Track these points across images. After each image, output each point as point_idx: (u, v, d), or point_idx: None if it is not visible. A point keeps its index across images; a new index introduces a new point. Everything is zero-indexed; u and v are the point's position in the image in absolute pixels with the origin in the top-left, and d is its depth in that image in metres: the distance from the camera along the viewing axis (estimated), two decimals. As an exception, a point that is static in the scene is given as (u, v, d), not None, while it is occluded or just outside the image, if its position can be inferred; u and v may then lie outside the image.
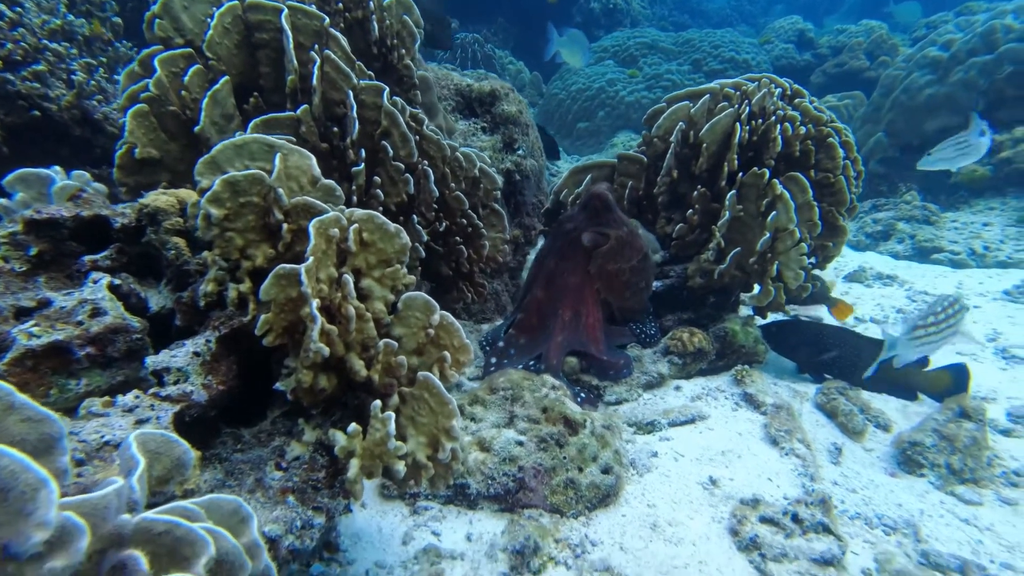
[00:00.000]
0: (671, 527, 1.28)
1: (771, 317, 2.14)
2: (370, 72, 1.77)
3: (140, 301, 1.15)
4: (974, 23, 4.82)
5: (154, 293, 1.19)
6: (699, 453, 1.54)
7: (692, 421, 1.67)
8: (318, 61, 1.55)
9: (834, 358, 1.92)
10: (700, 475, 1.45)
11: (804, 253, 1.83)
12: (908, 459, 1.50)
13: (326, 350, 1.00)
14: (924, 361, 1.86)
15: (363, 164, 1.64)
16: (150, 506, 0.74)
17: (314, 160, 1.09)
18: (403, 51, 1.91)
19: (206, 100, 1.48)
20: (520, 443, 1.47)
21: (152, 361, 1.03)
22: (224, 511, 0.78)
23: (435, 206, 1.86)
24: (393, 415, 1.05)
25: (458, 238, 1.99)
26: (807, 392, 1.84)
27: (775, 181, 1.85)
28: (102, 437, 0.91)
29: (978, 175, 4.53)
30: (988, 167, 4.48)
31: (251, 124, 1.51)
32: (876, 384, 1.88)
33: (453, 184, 1.91)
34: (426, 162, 1.79)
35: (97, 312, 1.04)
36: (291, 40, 1.52)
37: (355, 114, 1.60)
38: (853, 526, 1.30)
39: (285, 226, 1.04)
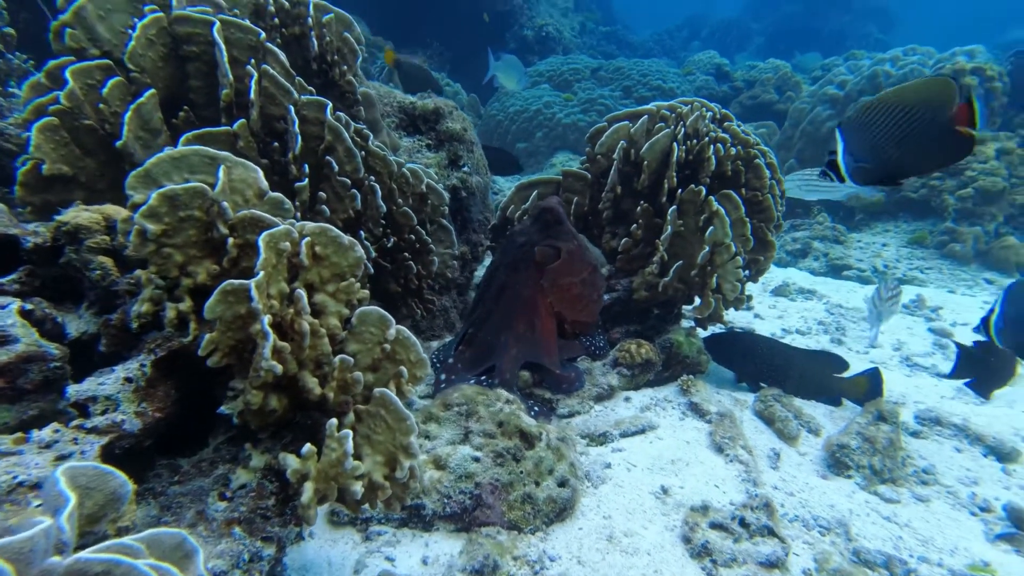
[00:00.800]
0: (627, 538, 1.30)
1: (710, 329, 2.26)
2: (311, 88, 1.74)
3: (56, 327, 1.06)
4: (861, 67, 5.43)
5: (73, 318, 1.10)
6: (650, 463, 1.58)
7: (643, 431, 1.72)
8: (255, 75, 1.50)
9: (767, 368, 2.04)
10: (652, 484, 1.49)
11: (740, 266, 1.95)
12: (837, 461, 1.62)
13: (279, 368, 0.96)
14: (844, 367, 2.02)
15: (307, 180, 1.60)
16: (79, 548, 0.67)
17: (260, 172, 1.06)
18: (344, 67, 1.89)
19: (129, 114, 1.40)
20: (476, 459, 1.46)
21: (75, 391, 0.95)
22: (166, 546, 0.73)
23: (383, 222, 1.83)
24: (350, 433, 1.02)
25: (406, 254, 1.97)
26: (747, 400, 1.95)
27: (711, 198, 1.96)
28: (14, 478, 0.83)
29: (874, 200, 5.01)
30: (881, 193, 4.98)
31: (183, 138, 1.44)
32: (806, 391, 2.02)
33: (400, 200, 1.89)
34: (373, 178, 1.77)
35: (5, 340, 0.95)
36: (225, 54, 1.46)
37: (296, 129, 1.56)
38: (793, 528, 1.38)
39: (231, 241, 0.99)
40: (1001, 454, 1.77)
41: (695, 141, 2.03)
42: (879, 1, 16.88)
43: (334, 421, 1.02)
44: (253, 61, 1.56)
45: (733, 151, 2.05)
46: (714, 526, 1.29)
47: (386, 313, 1.19)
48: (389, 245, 1.90)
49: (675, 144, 2.00)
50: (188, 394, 1.08)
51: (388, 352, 1.20)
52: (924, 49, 5.56)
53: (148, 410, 0.99)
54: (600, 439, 1.71)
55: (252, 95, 1.49)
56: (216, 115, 1.59)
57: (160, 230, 0.94)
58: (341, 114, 1.69)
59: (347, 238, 1.09)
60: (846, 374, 2.01)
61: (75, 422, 0.92)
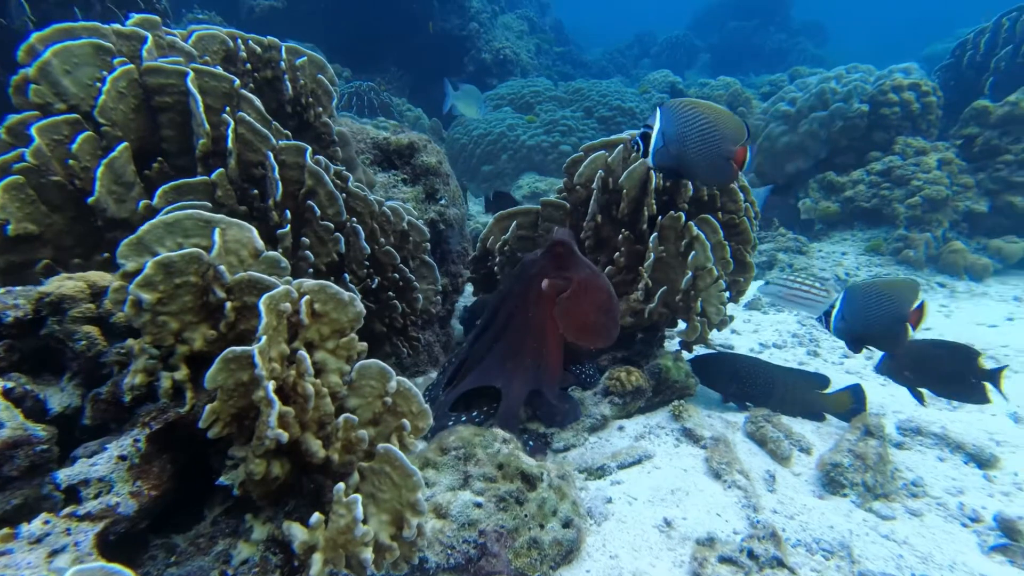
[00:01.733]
0: (638, 577, 1.31)
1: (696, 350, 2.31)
2: (287, 132, 1.72)
3: (38, 404, 1.01)
4: (809, 84, 5.74)
5: (54, 391, 1.05)
6: (650, 494, 1.60)
7: (639, 461, 1.74)
8: (232, 123, 1.49)
9: (752, 387, 2.11)
10: (655, 517, 1.51)
11: (723, 289, 2.02)
12: (831, 480, 1.67)
13: (285, 436, 0.93)
14: (826, 384, 2.11)
15: (288, 226, 1.58)
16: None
17: (255, 232, 1.04)
18: (319, 109, 1.89)
19: (101, 168, 1.36)
20: (478, 504, 1.44)
21: (65, 476, 0.90)
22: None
23: (366, 263, 1.82)
24: (359, 498, 1.00)
25: (391, 293, 1.95)
26: (737, 422, 2.00)
27: (691, 224, 2.03)
28: (5, 580, 0.77)
29: (830, 211, 5.26)
30: (837, 204, 5.23)
31: (159, 191, 1.41)
32: (791, 408, 2.09)
33: (383, 239, 1.89)
34: (354, 219, 1.76)
35: (-12, 423, 0.89)
36: (201, 104, 1.45)
37: (277, 175, 1.54)
38: (797, 554, 1.42)
39: (229, 304, 0.97)
40: (981, 461, 1.86)
41: (671, 169, 2.10)
42: (814, 18, 18.00)
43: (342, 486, 1.00)
44: (228, 108, 1.54)
45: (708, 178, 2.12)
46: (723, 560, 1.31)
47: (386, 366, 1.18)
48: (374, 285, 1.88)
49: (652, 172, 2.06)
50: (184, 466, 1.03)
51: (390, 405, 1.18)
52: (865, 67, 5.91)
53: (143, 489, 0.95)
54: (598, 472, 1.71)
55: (230, 143, 1.47)
56: (191, 164, 1.56)
57: (156, 299, 0.91)
58: (320, 157, 1.68)
59: (347, 294, 1.07)
60: (829, 390, 2.09)
61: (66, 510, 0.87)
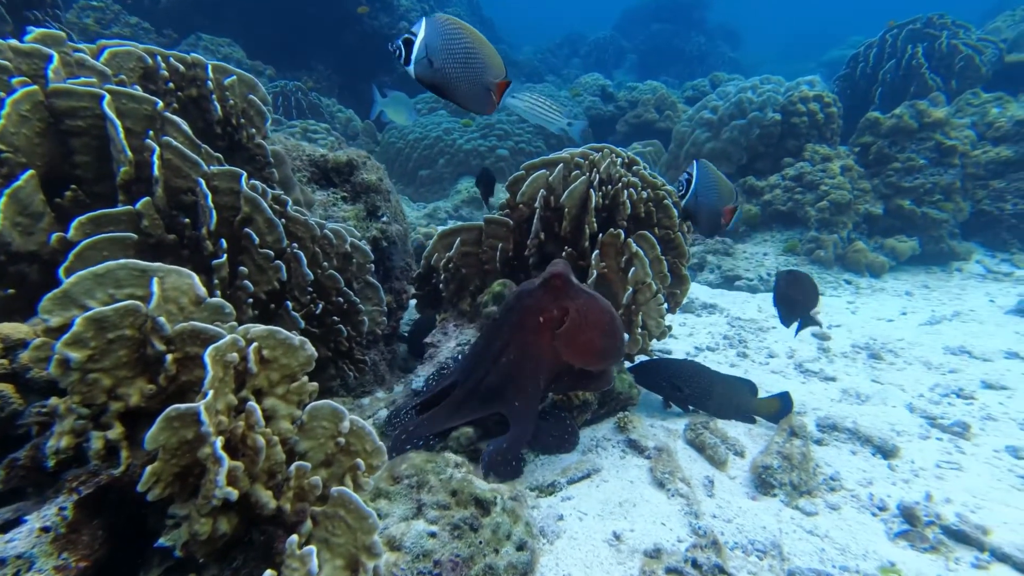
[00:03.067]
0: (591, 594, 1.35)
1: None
2: (218, 155, 1.64)
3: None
4: (728, 94, 6.08)
5: (-41, 454, 0.94)
6: (599, 508, 1.65)
7: (588, 476, 1.79)
8: (157, 150, 1.40)
9: (692, 391, 2.22)
10: (605, 532, 1.56)
11: (662, 303, 2.11)
12: (763, 482, 1.80)
13: (235, 494, 0.90)
14: (756, 391, 2.26)
15: (225, 255, 1.50)
16: None
17: (195, 278, 0.98)
18: (252, 130, 1.81)
19: (4, 199, 1.24)
20: (432, 534, 1.43)
21: (-20, 555, 0.81)
22: None
23: (309, 288, 1.76)
24: (314, 550, 0.97)
25: (336, 317, 1.90)
26: (677, 429, 2.09)
27: (630, 240, 2.10)
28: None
29: (752, 214, 5.60)
30: (757, 207, 5.58)
31: (75, 224, 1.30)
32: (726, 412, 2.22)
33: (326, 263, 1.84)
34: (295, 245, 1.70)
35: None
36: (120, 129, 1.35)
37: (210, 203, 1.47)
38: (735, 556, 1.51)
39: (169, 357, 0.91)
40: (885, 452, 2.06)
41: (609, 187, 2.17)
42: (728, 23, 19.06)
43: (295, 538, 0.97)
44: (152, 132, 1.45)
45: (644, 194, 2.21)
46: (670, 571, 1.37)
47: (338, 406, 1.15)
48: (318, 311, 1.82)
49: (592, 190, 2.12)
50: (117, 529, 0.96)
51: (343, 445, 1.16)
52: (776, 79, 6.32)
53: (71, 561, 0.88)
54: (549, 489, 1.75)
55: (156, 171, 1.38)
56: (110, 190, 1.45)
57: (86, 356, 0.84)
58: (256, 183, 1.61)
59: (297, 338, 1.04)
60: (762, 395, 2.25)
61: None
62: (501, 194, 2.53)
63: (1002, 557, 1.55)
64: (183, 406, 0.85)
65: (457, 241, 2.36)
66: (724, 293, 4.59)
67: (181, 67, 1.65)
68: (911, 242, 5.15)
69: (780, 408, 2.17)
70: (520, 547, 1.46)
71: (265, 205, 1.57)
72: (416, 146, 7.29)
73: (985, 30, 8.25)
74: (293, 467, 1.02)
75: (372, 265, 2.05)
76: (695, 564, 1.38)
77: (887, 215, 5.35)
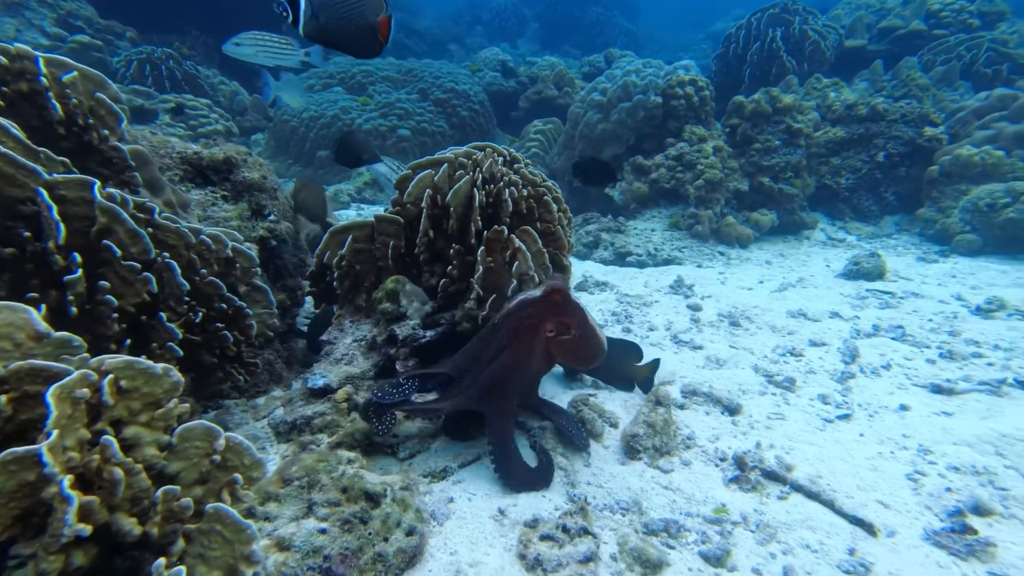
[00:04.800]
0: (472, 568, 1.45)
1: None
2: (63, 159, 1.49)
3: None
4: (616, 76, 6.29)
5: None
6: (488, 488, 1.75)
7: (478, 458, 1.88)
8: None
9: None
10: (491, 509, 1.66)
11: (542, 293, 2.21)
12: (630, 448, 1.98)
13: (87, 530, 0.87)
14: (641, 356, 2.46)
15: (80, 270, 1.39)
16: None
17: (32, 313, 0.92)
18: (105, 131, 1.66)
19: None
20: (323, 531, 1.46)
21: None
22: None
23: (186, 298, 1.67)
24: (183, 570, 0.97)
25: (219, 324, 1.82)
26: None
27: (512, 236, 2.18)
28: None
29: (641, 191, 5.90)
30: (646, 185, 5.90)
31: None
32: (614, 377, 2.41)
33: (204, 270, 1.74)
34: (166, 254, 1.60)
35: None
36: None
37: (55, 216, 1.35)
38: (603, 517, 1.67)
39: (4, 398, 0.86)
40: (731, 410, 2.33)
41: (492, 185, 2.22)
42: (625, -8, 19.13)
43: (162, 561, 0.96)
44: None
45: (525, 192, 2.29)
46: (544, 538, 1.50)
47: (212, 425, 1.14)
48: (197, 319, 1.74)
49: (475, 190, 2.16)
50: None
51: (219, 462, 1.15)
52: (656, 62, 6.60)
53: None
54: (441, 474, 1.82)
55: (-13, 184, 1.24)
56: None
57: (-102, 413, 0.77)
58: (114, 191, 1.49)
59: (159, 366, 1.01)
60: (639, 363, 2.45)
61: None
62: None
63: (798, 488, 1.84)
64: (21, 449, 0.81)
65: (349, 239, 2.32)
66: (616, 270, 4.85)
67: (3, 60, 1.47)
68: (771, 215, 5.68)
69: (651, 372, 2.39)
70: (409, 533, 1.53)
71: (125, 215, 1.46)
72: (312, 125, 6.90)
73: (829, 16, 9.12)
74: (160, 492, 1.00)
75: (257, 269, 1.97)
76: (564, 529, 1.52)
77: (752, 191, 5.84)
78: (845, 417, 2.29)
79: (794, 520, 1.70)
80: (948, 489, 1.85)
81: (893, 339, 3.08)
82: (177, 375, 1.04)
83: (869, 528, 1.67)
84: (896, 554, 1.59)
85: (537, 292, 1.84)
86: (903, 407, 2.36)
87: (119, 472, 0.91)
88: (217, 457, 1.14)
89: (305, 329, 2.72)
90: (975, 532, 1.63)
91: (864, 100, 6.30)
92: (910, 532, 1.68)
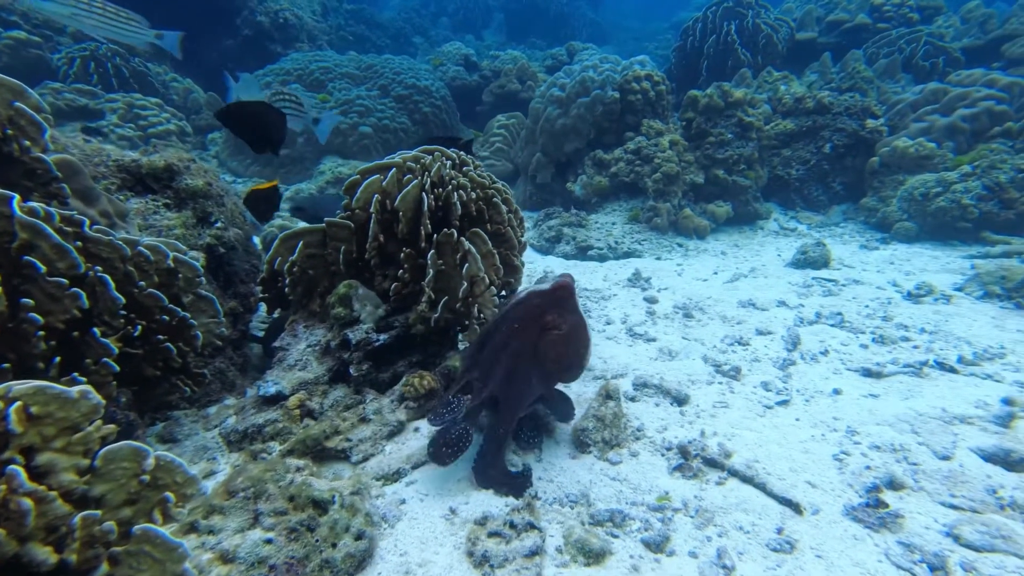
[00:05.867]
0: (421, 568, 1.45)
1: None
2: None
3: None
4: (574, 72, 6.29)
5: None
6: (439, 488, 1.75)
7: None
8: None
9: None
10: (443, 508, 1.66)
11: (495, 293, 2.21)
12: (580, 442, 2.01)
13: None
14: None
15: None
16: None
17: (-69, 343, 0.87)
18: (26, 142, 1.58)
19: None
20: (268, 541, 1.44)
21: None
22: None
23: (122, 312, 1.61)
24: (107, 598, 0.94)
25: (161, 336, 1.76)
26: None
27: (462, 239, 2.17)
28: None
29: (602, 185, 5.94)
30: (606, 179, 5.94)
31: None
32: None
33: (143, 282, 1.69)
34: (99, 268, 1.54)
35: None
36: None
37: (-25, 232, 1.28)
38: (552, 510, 1.70)
39: None
40: (680, 400, 2.38)
41: (441, 189, 2.20)
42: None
43: (85, 588, 0.93)
44: None
45: (474, 195, 2.28)
46: (492, 535, 1.51)
47: (140, 445, 1.11)
48: (136, 333, 1.68)
49: (424, 194, 2.14)
50: None
51: (148, 482, 1.12)
52: (613, 58, 6.64)
53: None
54: (394, 476, 1.82)
55: None
56: None
57: None
58: (36, 205, 1.42)
59: (74, 390, 0.97)
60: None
61: None
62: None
63: (734, 473, 1.91)
64: (-81, 489, 0.77)
65: (300, 244, 2.27)
66: (578, 264, 4.88)
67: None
68: (726, 207, 5.79)
69: None
70: (359, 537, 1.52)
71: (49, 230, 1.40)
72: (273, 125, 6.71)
73: (780, 10, 9.30)
74: (78, 517, 0.97)
75: (202, 278, 1.91)
76: (512, 525, 1.54)
77: (708, 183, 5.93)
78: (784, 403, 2.37)
79: (730, 504, 1.76)
80: (868, 467, 1.93)
81: (832, 326, 3.19)
82: (96, 397, 1.00)
83: (796, 508, 1.74)
84: (818, 530, 1.67)
85: (546, 285, 1.88)
86: (836, 391, 2.45)
87: (27, 503, 0.88)
88: (146, 477, 1.11)
89: (261, 335, 2.66)
90: (887, 506, 1.72)
91: (811, 93, 6.46)
92: (832, 509, 1.76)
